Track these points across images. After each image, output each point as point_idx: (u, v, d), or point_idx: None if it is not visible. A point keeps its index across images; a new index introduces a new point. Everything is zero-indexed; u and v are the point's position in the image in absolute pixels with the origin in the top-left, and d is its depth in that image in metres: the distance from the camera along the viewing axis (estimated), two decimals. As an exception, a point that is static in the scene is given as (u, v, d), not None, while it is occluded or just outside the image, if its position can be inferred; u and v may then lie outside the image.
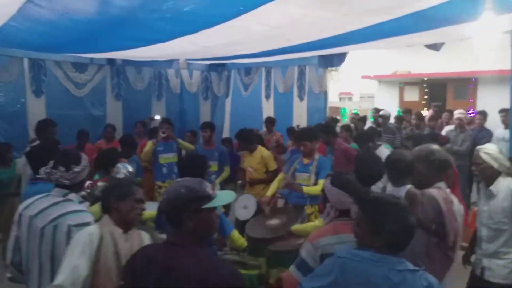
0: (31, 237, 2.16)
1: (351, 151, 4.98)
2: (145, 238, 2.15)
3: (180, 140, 5.57)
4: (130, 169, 3.49)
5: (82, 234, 1.99)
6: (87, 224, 2.15)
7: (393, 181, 2.57)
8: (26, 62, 6.64)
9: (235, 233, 2.89)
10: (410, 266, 1.66)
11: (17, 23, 3.98)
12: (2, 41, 5.31)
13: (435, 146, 2.65)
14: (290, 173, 4.23)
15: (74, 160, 2.25)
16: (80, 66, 7.24)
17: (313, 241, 2.07)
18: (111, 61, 7.55)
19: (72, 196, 2.26)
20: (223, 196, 1.79)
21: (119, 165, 3.46)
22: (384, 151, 4.64)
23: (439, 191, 2.41)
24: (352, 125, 6.47)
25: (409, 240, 1.69)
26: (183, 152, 5.70)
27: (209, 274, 1.55)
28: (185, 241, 1.64)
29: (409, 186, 2.43)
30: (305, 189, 3.91)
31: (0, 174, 4.52)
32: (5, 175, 4.57)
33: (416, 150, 2.67)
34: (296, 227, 3.12)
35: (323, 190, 2.33)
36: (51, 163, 2.26)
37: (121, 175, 3.29)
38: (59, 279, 1.87)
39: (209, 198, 1.67)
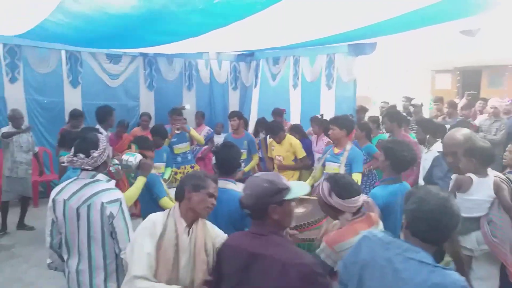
0: (67, 219, 2.32)
1: (413, 144, 4.67)
2: (210, 227, 2.15)
3: (192, 132, 5.74)
4: (135, 159, 3.27)
5: (147, 221, 2.01)
6: (118, 200, 2.32)
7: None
8: (63, 54, 6.94)
9: None
10: (428, 260, 1.54)
11: (56, 19, 4.16)
12: (42, 35, 5.55)
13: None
14: (321, 163, 4.26)
15: (92, 145, 2.36)
16: (114, 57, 7.49)
17: (334, 246, 2.07)
18: (143, 53, 7.76)
19: (100, 176, 2.40)
20: (299, 187, 1.91)
21: (125, 154, 3.36)
22: (440, 148, 4.49)
23: None
24: (379, 117, 6.25)
25: (429, 230, 1.55)
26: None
27: (293, 260, 1.69)
28: (268, 231, 1.79)
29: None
30: None
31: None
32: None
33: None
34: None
35: (326, 204, 2.24)
36: (72, 150, 2.38)
37: (131, 164, 3.21)
38: (138, 271, 1.88)
39: (288, 189, 1.83)
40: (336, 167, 4.06)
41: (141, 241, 1.94)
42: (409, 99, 7.88)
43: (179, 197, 2.06)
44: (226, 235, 2.14)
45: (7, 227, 5.68)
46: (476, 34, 5.38)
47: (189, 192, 2.01)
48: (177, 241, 1.96)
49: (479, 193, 2.96)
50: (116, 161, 3.48)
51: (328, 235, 2.15)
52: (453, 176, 3.10)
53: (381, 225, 2.21)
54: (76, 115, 5.81)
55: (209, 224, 2.16)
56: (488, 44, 7.41)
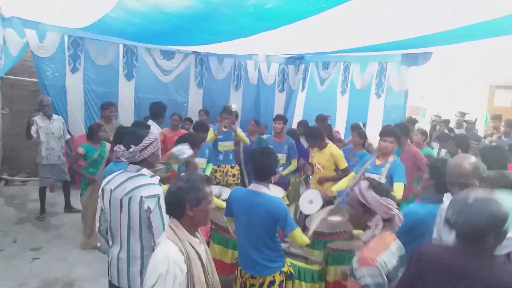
0: (112, 208, 2.47)
1: (421, 156, 4.83)
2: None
3: (238, 132, 5.77)
4: (189, 152, 3.42)
5: (164, 265, 1.82)
6: (156, 195, 2.39)
7: None
8: (121, 47, 7.27)
9: (298, 232, 2.81)
10: None
11: (115, 14, 4.39)
12: (102, 30, 5.87)
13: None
14: (360, 173, 4.18)
15: (134, 140, 2.46)
16: (168, 54, 7.75)
17: (375, 261, 1.94)
18: (196, 51, 7.96)
19: (144, 171, 2.51)
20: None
21: (178, 147, 3.45)
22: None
23: None
24: (427, 131, 6.10)
25: (466, 226, 1.65)
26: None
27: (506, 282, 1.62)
28: (479, 250, 1.69)
29: None
30: None
31: (92, 151, 4.95)
32: (96, 153, 4.96)
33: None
34: (357, 231, 3.07)
35: (362, 204, 2.11)
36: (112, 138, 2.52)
37: (182, 158, 3.37)
38: None
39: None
40: (376, 179, 3.98)
41: None
42: (463, 114, 7.50)
43: (177, 214, 1.94)
44: None
45: (58, 208, 6.09)
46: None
47: (190, 209, 1.91)
48: (201, 260, 1.96)
49: None
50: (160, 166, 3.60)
51: (362, 257, 1.99)
52: None
53: (399, 242, 2.13)
54: (109, 104, 5.95)
55: None
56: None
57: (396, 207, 2.11)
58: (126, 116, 7.33)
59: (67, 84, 6.85)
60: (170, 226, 1.94)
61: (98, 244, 2.73)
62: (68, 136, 6.09)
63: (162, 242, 1.92)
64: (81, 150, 4.92)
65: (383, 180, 3.94)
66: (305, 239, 2.88)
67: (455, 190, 2.41)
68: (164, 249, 1.87)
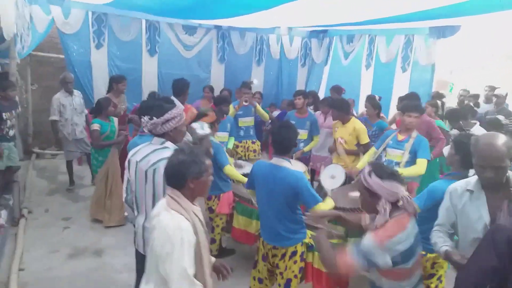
0: (138, 179, 2.55)
1: (434, 125, 5.03)
2: None
3: (258, 107, 5.76)
4: (207, 130, 3.49)
5: (185, 236, 1.89)
6: None
7: None
8: (143, 23, 7.29)
9: (322, 206, 2.79)
10: None
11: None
12: (124, 4, 5.89)
13: None
14: (381, 149, 4.14)
15: (157, 112, 2.51)
16: (190, 29, 7.73)
17: (385, 242, 1.95)
18: (217, 25, 7.90)
19: (169, 144, 2.57)
20: None
21: (195, 124, 3.51)
22: (479, 130, 4.35)
23: None
24: (439, 102, 6.08)
25: None
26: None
27: None
28: None
29: None
30: (401, 171, 3.74)
31: (105, 126, 5.02)
32: (108, 128, 5.04)
33: None
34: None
35: (367, 189, 2.13)
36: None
37: (199, 133, 3.43)
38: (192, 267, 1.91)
39: None
40: (399, 154, 3.95)
41: (182, 260, 1.88)
42: (493, 89, 7.22)
43: (178, 185, 1.98)
44: None
45: (85, 180, 6.32)
46: None
47: (192, 181, 1.96)
48: (203, 227, 2.03)
49: None
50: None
51: (376, 233, 2.00)
52: None
53: (413, 221, 2.11)
54: (120, 77, 5.94)
55: None
56: None
57: (403, 189, 2.07)
58: (149, 92, 7.40)
59: (92, 60, 6.95)
60: (171, 196, 1.98)
61: (125, 214, 2.84)
62: (86, 111, 6.23)
63: (165, 212, 1.95)
64: (96, 126, 4.95)
65: (406, 155, 3.91)
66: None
67: (489, 175, 2.12)
68: (173, 219, 1.91)
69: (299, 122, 5.23)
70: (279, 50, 8.83)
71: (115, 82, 5.88)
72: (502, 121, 5.06)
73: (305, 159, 5.43)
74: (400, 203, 2.05)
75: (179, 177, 1.96)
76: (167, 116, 2.52)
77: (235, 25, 7.67)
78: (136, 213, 2.67)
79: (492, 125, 4.97)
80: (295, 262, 2.89)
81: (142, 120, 2.56)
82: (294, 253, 2.87)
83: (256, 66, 8.67)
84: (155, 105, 2.58)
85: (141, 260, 2.65)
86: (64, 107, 5.84)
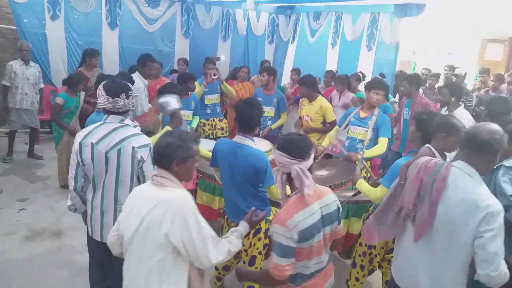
0: (96, 162, 2.37)
1: (431, 107, 4.88)
2: None
3: (225, 84, 5.67)
4: (176, 105, 3.36)
5: (189, 201, 1.89)
6: (147, 145, 2.39)
7: None
8: (103, -6, 6.92)
9: (274, 188, 2.75)
10: None
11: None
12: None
13: None
14: (343, 126, 4.18)
15: (120, 88, 2.39)
16: (153, 1, 7.45)
17: (287, 223, 1.86)
18: (182, -2, 7.64)
19: (128, 121, 2.45)
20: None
21: (166, 98, 3.36)
22: (463, 113, 4.39)
23: None
24: (360, 74, 6.31)
25: None
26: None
27: None
28: None
29: None
30: (366, 153, 3.79)
31: (70, 102, 4.94)
32: (73, 103, 4.97)
33: None
34: (361, 185, 2.90)
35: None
36: (103, 92, 2.39)
37: (168, 109, 3.32)
38: (216, 258, 1.89)
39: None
40: (362, 132, 4.01)
41: (204, 229, 1.88)
42: (452, 68, 7.43)
43: (164, 165, 1.93)
44: None
45: (44, 160, 6.07)
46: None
47: (177, 164, 1.91)
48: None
49: None
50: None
51: (277, 215, 1.94)
52: None
53: (327, 199, 2.02)
54: (93, 52, 5.83)
55: None
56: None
57: (296, 162, 1.93)
58: (110, 67, 7.14)
59: (47, 32, 6.58)
60: (161, 176, 1.91)
61: (69, 203, 2.61)
62: (42, 85, 6.01)
63: (164, 190, 1.88)
64: (60, 100, 4.88)
65: (369, 132, 3.97)
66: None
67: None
68: (177, 193, 1.88)
69: (266, 99, 5.18)
70: (246, 26, 8.68)
71: (88, 56, 5.76)
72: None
73: (272, 137, 5.41)
74: (297, 174, 1.91)
75: (165, 158, 1.91)
76: (130, 92, 2.42)
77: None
78: (90, 197, 2.48)
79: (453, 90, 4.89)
80: (259, 239, 2.89)
81: (101, 98, 2.38)
82: (258, 230, 2.88)
83: (223, 41, 8.49)
84: (115, 81, 2.45)
85: (96, 247, 2.57)
86: (16, 75, 5.65)
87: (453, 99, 4.63)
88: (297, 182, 1.92)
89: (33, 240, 4.00)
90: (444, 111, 4.69)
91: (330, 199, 2.03)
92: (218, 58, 7.31)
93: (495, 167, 2.73)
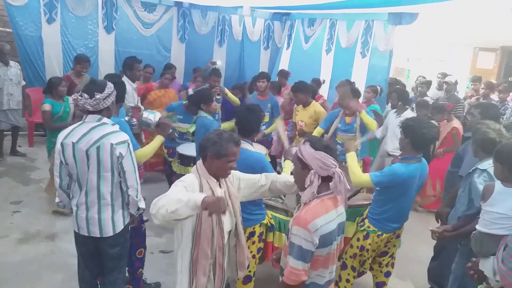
0: (78, 160, 2.45)
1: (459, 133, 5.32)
2: (236, 177, 2.29)
3: (229, 94, 5.67)
4: (155, 118, 3.33)
5: (185, 180, 2.07)
6: (126, 141, 2.47)
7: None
8: (100, -3, 6.95)
9: None
10: None
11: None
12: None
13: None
14: (330, 133, 4.26)
15: (98, 88, 2.46)
16: (149, 6, 7.48)
17: (309, 225, 1.81)
18: (178, 3, 7.69)
19: (105, 120, 2.52)
20: None
21: (145, 112, 3.43)
22: (409, 115, 4.77)
23: None
24: (378, 87, 6.29)
25: None
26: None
27: None
28: None
29: None
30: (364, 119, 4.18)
31: (57, 107, 4.60)
32: (61, 108, 4.62)
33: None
34: (351, 159, 3.03)
35: (299, 159, 1.98)
36: (80, 90, 2.49)
37: (152, 126, 3.32)
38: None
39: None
40: (351, 138, 4.15)
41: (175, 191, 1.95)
42: (444, 75, 7.55)
43: (202, 156, 2.13)
44: (240, 173, 2.32)
45: (38, 162, 6.05)
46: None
47: (211, 157, 2.08)
48: (213, 194, 2.03)
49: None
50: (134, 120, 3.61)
51: (297, 217, 1.88)
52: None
53: (341, 209, 2.01)
54: (83, 59, 5.81)
55: (235, 173, 2.30)
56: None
57: (336, 164, 1.93)
58: (106, 71, 7.08)
59: (43, 36, 6.59)
60: (197, 165, 2.16)
61: (57, 200, 2.69)
62: (23, 82, 6.05)
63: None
64: (47, 107, 4.53)
65: (358, 135, 4.21)
66: None
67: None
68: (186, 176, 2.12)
69: (260, 104, 5.20)
70: (241, 31, 8.74)
71: (76, 62, 5.79)
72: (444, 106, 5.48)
73: (266, 142, 5.45)
74: (332, 184, 1.91)
75: (203, 150, 2.11)
76: (107, 90, 2.48)
77: (196, 2, 7.49)
78: (77, 194, 2.54)
79: (436, 109, 5.48)
80: (253, 242, 2.92)
81: (80, 99, 2.43)
82: (252, 234, 2.91)
83: (218, 47, 8.54)
84: (92, 82, 2.57)
85: (83, 242, 2.65)
86: None
87: (400, 103, 5.35)
88: (339, 186, 1.89)
89: (27, 243, 3.99)
90: (393, 113, 5.42)
91: (342, 209, 2.02)
92: (215, 63, 7.35)
93: (470, 170, 2.83)
